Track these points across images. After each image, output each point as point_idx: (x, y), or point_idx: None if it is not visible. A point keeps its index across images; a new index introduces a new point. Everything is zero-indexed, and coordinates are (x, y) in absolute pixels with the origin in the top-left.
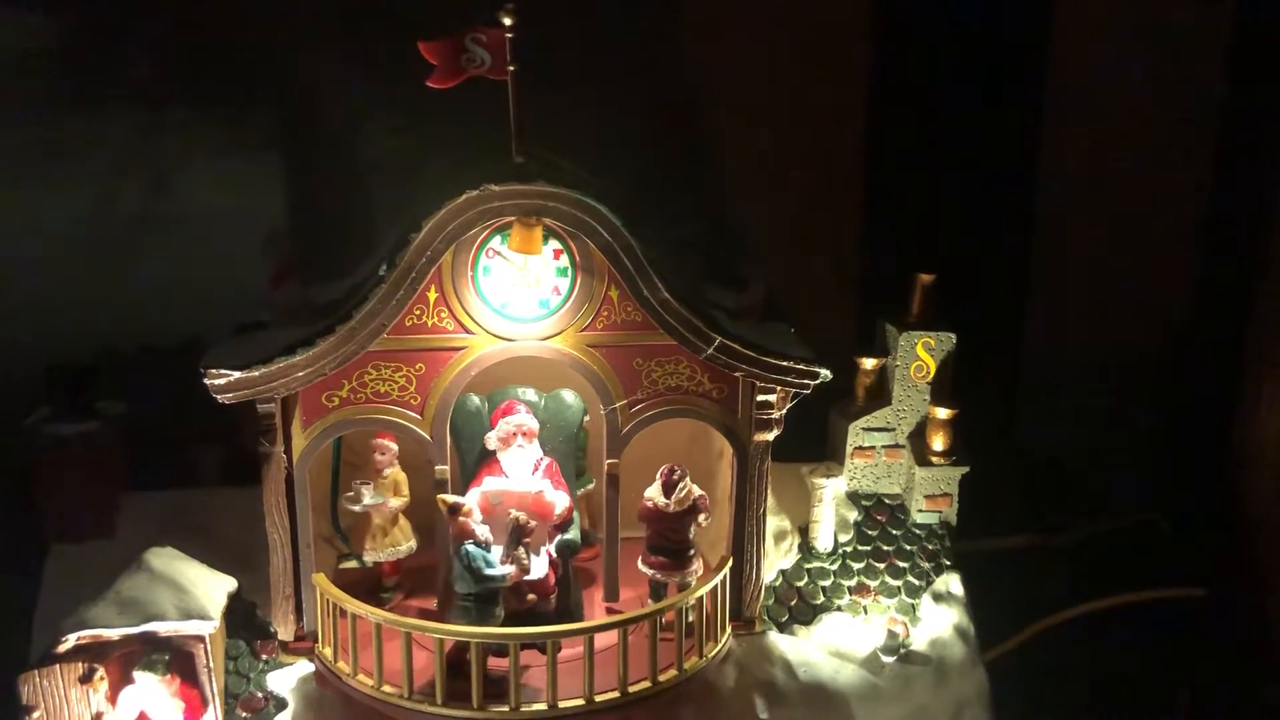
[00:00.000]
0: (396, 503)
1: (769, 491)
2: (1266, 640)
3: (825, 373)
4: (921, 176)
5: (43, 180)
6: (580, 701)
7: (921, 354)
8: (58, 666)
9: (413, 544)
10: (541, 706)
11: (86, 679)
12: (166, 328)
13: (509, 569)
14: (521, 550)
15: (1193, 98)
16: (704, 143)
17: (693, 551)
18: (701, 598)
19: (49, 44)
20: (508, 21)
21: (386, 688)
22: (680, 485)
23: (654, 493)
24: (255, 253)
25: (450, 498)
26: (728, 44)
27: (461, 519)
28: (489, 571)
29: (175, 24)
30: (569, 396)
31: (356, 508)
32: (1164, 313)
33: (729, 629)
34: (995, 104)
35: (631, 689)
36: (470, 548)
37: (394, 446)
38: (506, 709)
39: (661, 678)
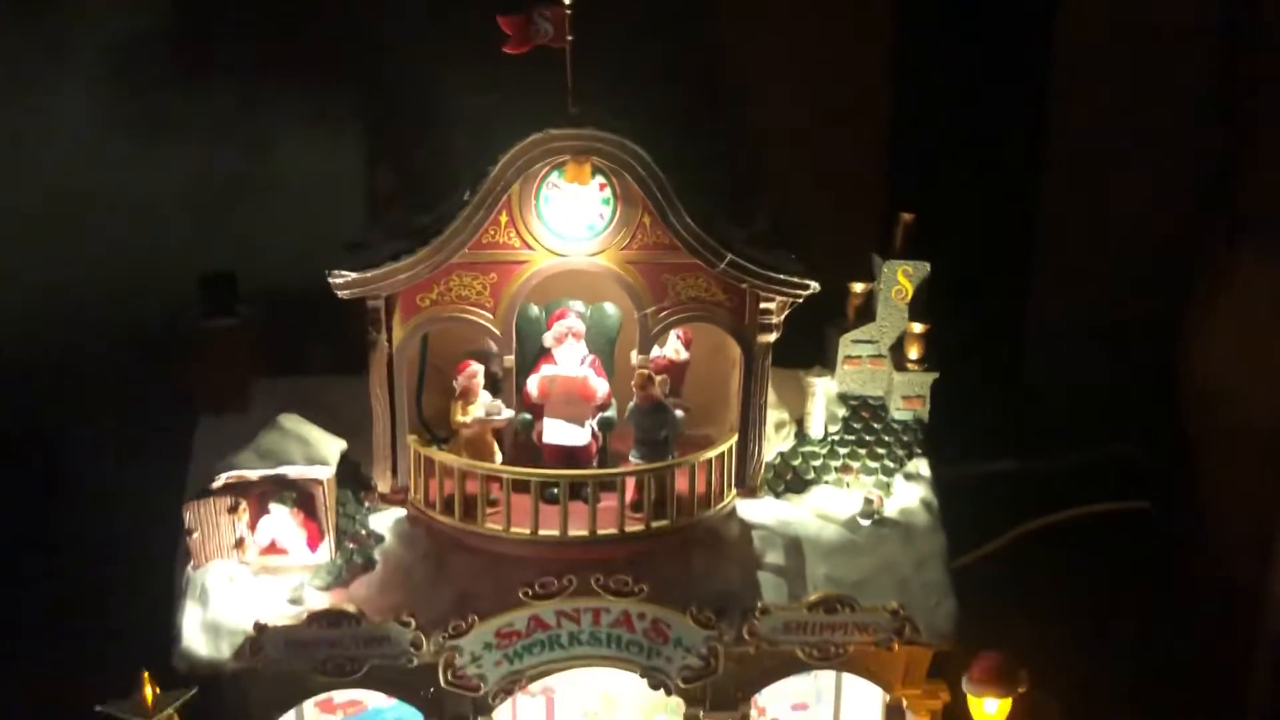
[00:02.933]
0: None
1: (769, 385)
2: (1200, 544)
3: (814, 285)
4: (930, 124)
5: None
6: (614, 530)
7: (901, 280)
8: (211, 500)
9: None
10: (583, 533)
11: (233, 510)
12: (283, 251)
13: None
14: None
15: None
16: (728, 100)
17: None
18: (710, 459)
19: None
20: (567, 0)
21: (465, 523)
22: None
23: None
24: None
25: (647, 370)
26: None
27: (655, 389)
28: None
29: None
30: (609, 308)
31: (498, 418)
32: (1149, 267)
33: (734, 492)
34: (1006, 45)
35: (654, 524)
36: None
37: (481, 368)
38: (556, 534)
39: (679, 520)
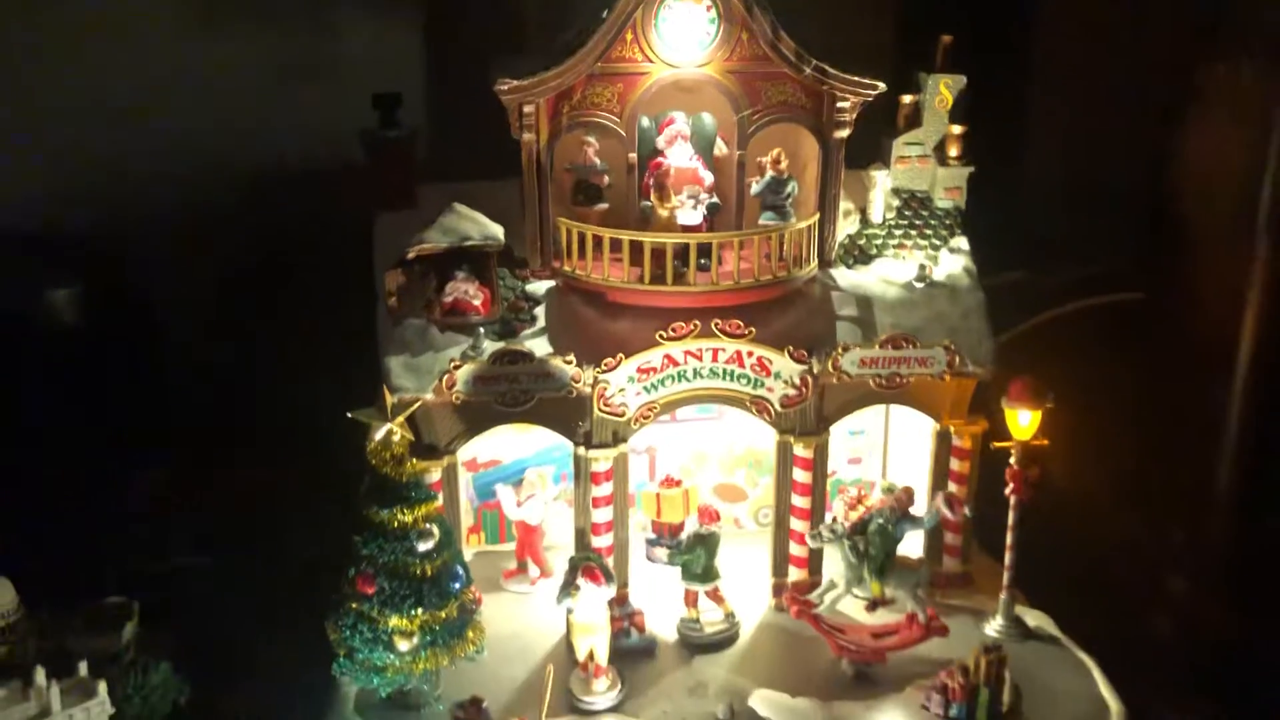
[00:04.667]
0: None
1: (842, 176)
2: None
3: (881, 85)
4: None
5: None
6: (731, 282)
7: (943, 90)
8: (405, 268)
9: None
10: (707, 286)
11: (423, 276)
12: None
13: None
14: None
15: None
16: None
17: None
18: (798, 229)
19: None
20: None
21: (609, 278)
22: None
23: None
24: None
25: (779, 151)
26: None
27: (784, 166)
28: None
29: None
30: (707, 117)
31: (706, 200)
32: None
33: (815, 263)
34: None
35: (763, 279)
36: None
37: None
38: (689, 283)
39: (778, 275)
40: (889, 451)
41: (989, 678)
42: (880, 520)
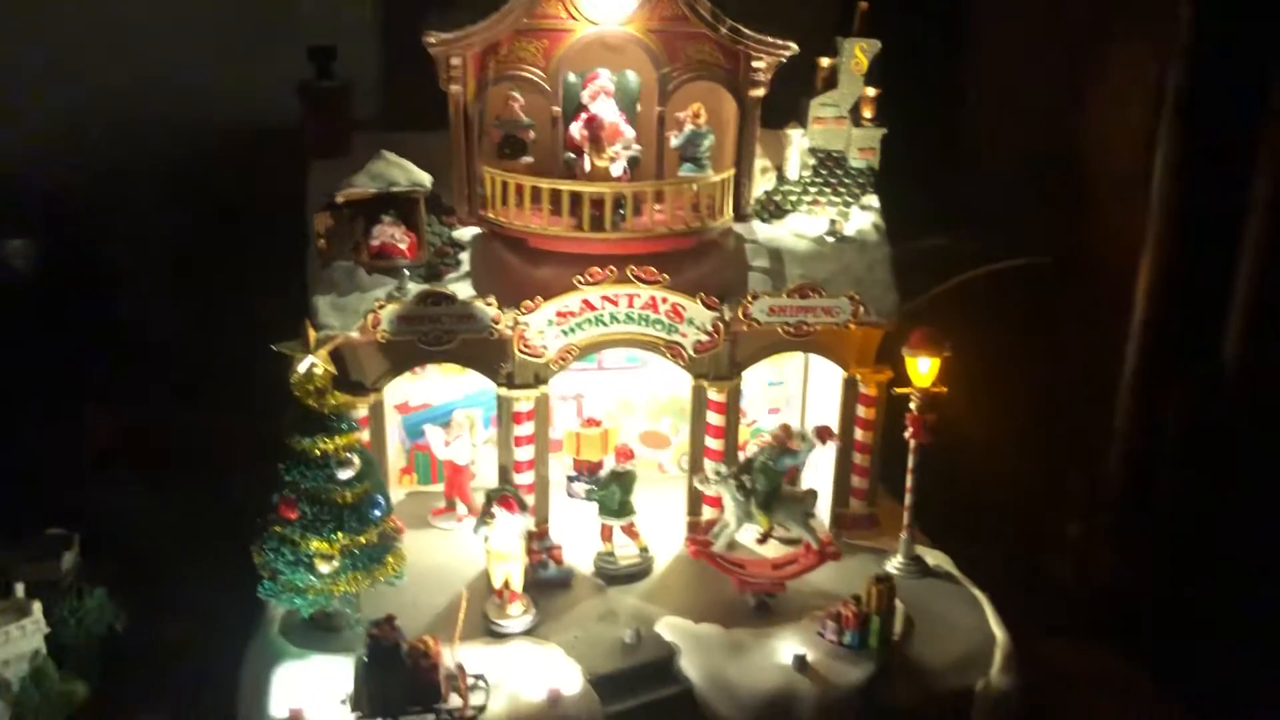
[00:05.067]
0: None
1: (758, 133)
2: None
3: (794, 46)
4: None
5: None
6: (647, 230)
7: (858, 54)
8: (334, 212)
9: None
10: (626, 234)
11: (352, 219)
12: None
13: None
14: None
15: None
16: None
17: None
18: (714, 182)
19: None
20: None
21: (531, 225)
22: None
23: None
24: None
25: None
26: None
27: (704, 120)
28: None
29: None
30: (630, 75)
31: (630, 151)
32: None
33: (731, 214)
34: None
35: (676, 229)
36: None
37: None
38: (607, 231)
39: (693, 225)
40: (807, 402)
41: (879, 606)
42: (762, 458)
